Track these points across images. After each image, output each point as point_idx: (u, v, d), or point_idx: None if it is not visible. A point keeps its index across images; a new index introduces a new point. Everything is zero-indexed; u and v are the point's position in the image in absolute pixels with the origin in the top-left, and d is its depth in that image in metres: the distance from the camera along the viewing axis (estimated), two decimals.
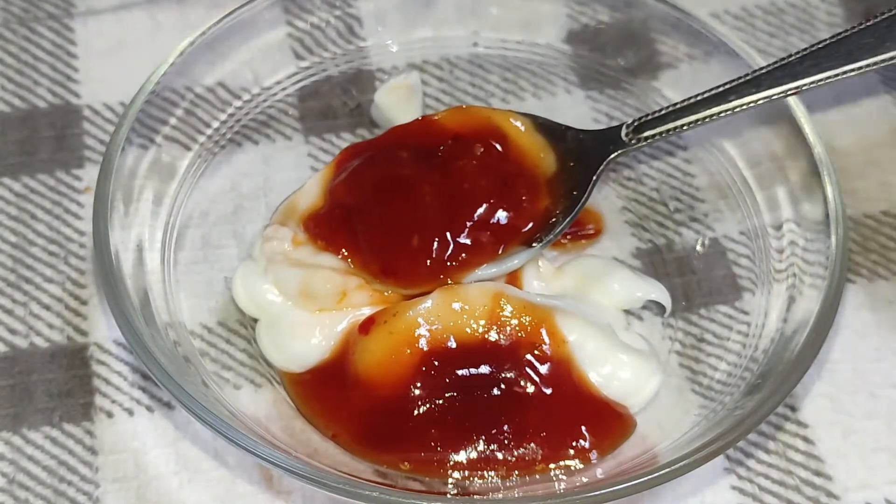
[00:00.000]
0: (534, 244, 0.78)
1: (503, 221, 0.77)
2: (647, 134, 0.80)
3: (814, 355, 0.72)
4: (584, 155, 0.81)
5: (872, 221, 0.89)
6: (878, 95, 0.95)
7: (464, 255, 0.77)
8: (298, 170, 0.88)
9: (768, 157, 0.83)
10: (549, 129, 0.82)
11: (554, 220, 0.79)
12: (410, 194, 0.78)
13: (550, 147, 0.81)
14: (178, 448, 0.77)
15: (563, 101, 0.92)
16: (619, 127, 0.81)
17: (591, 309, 0.79)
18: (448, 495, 0.72)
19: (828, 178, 0.78)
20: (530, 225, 0.78)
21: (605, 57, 0.91)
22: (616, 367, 0.76)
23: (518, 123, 0.82)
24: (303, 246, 0.79)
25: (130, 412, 0.79)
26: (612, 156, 0.80)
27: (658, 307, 0.82)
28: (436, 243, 0.77)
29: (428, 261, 0.76)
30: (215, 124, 0.86)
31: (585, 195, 0.80)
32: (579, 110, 0.92)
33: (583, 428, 0.74)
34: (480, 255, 0.77)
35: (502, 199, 0.78)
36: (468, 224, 0.77)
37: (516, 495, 0.73)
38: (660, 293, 0.81)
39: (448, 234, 0.77)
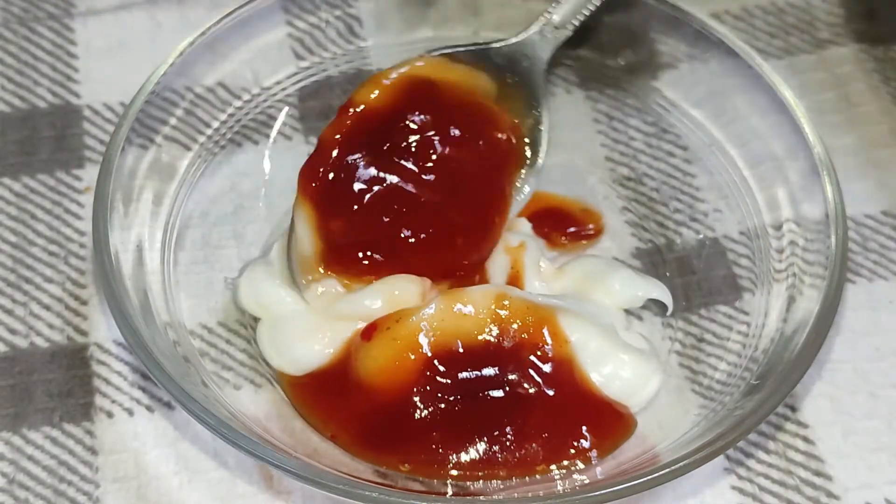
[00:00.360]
0: (531, 164, 0.82)
1: (496, 161, 0.80)
2: (562, 21, 0.83)
3: (814, 355, 0.72)
4: (521, 66, 0.83)
5: (872, 221, 0.89)
6: (879, 95, 0.95)
7: (495, 216, 0.80)
8: (298, 170, 0.88)
9: (768, 157, 0.83)
10: (472, 55, 0.83)
11: (533, 136, 0.82)
12: (409, 201, 0.78)
13: (482, 71, 0.83)
14: (178, 448, 0.77)
15: (563, 101, 0.92)
16: (537, 30, 0.83)
17: (593, 308, 0.79)
18: (448, 496, 0.72)
19: (827, 178, 0.78)
20: (512, 153, 0.81)
21: (604, 57, 0.91)
22: (617, 367, 0.76)
23: (439, 65, 0.82)
24: (357, 286, 0.79)
25: (130, 412, 0.79)
26: (549, 56, 0.83)
27: (658, 307, 0.82)
28: (469, 229, 0.79)
29: (474, 247, 0.79)
30: (215, 124, 0.86)
31: (545, 103, 0.83)
32: (579, 110, 0.92)
33: (584, 428, 0.74)
34: (504, 203, 0.80)
35: (480, 145, 0.80)
36: (477, 189, 0.79)
37: (516, 496, 0.73)
38: (661, 292, 0.81)
39: (469, 211, 0.79)
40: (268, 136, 0.89)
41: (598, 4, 0.83)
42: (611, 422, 0.75)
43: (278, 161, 0.88)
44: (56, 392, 0.79)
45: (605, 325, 0.77)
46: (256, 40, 0.88)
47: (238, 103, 0.87)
